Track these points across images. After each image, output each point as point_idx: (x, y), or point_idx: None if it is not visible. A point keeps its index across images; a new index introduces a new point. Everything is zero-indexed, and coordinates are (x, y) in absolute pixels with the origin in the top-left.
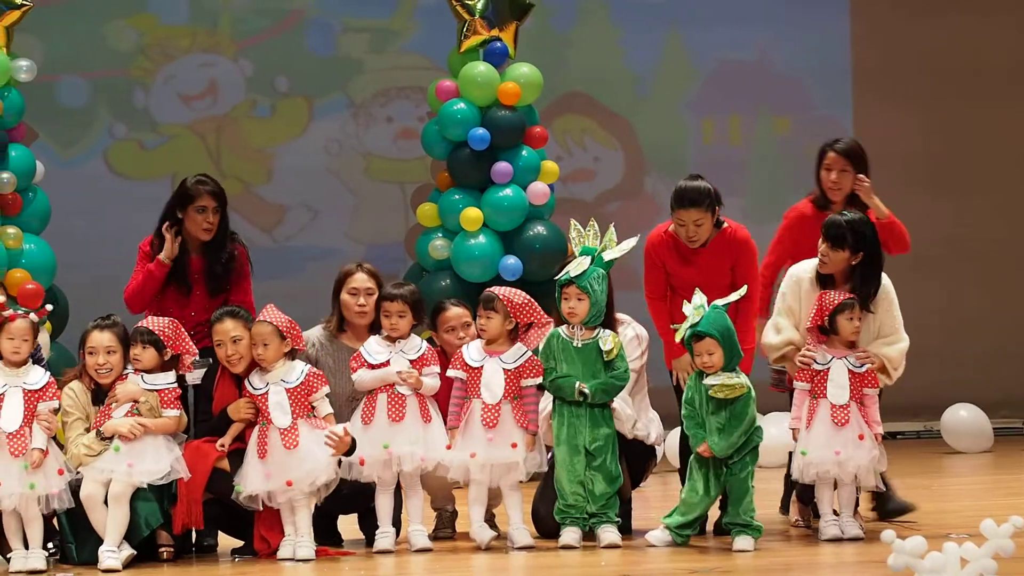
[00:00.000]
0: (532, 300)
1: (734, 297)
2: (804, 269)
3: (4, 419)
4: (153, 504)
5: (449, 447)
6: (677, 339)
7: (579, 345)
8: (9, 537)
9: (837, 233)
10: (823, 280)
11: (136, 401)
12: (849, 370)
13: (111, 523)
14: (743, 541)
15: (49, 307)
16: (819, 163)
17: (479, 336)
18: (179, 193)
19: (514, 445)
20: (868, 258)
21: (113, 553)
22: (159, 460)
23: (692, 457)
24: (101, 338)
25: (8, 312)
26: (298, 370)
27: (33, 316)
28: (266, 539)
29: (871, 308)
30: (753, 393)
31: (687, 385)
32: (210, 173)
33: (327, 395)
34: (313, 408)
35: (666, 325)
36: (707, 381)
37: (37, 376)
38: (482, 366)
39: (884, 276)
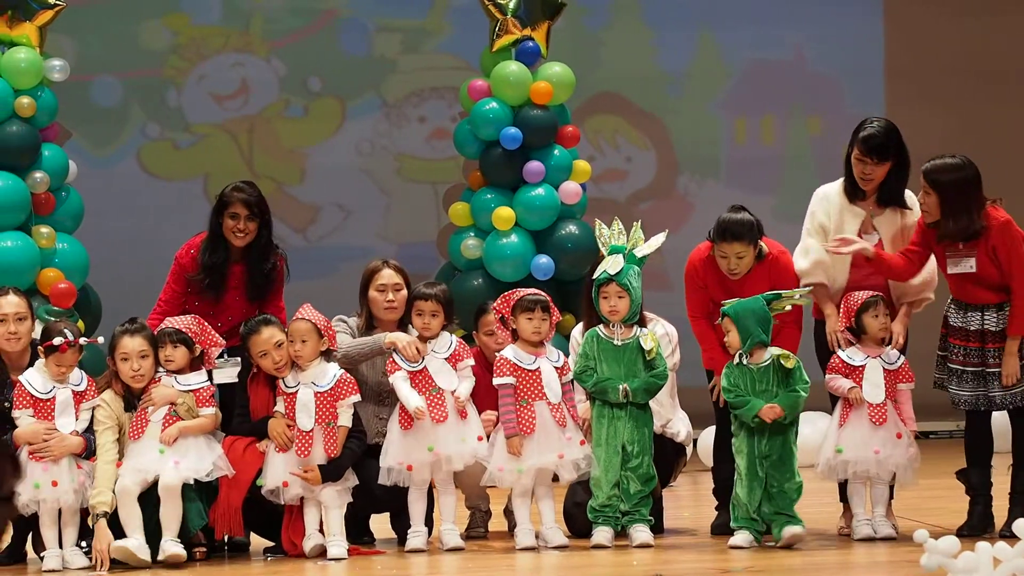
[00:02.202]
0: None
1: (788, 306)
2: (832, 185)
3: (60, 422)
4: (197, 504)
5: (481, 438)
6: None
7: (619, 344)
8: (45, 535)
9: (881, 146)
10: (853, 189)
11: (174, 403)
12: (884, 368)
13: (166, 517)
14: (791, 530)
15: (100, 339)
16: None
17: (532, 340)
18: (217, 196)
19: (583, 441)
20: (899, 161)
21: (176, 542)
22: (202, 459)
23: None
24: (133, 343)
25: (60, 342)
26: (330, 374)
27: (83, 341)
28: (294, 542)
29: (908, 205)
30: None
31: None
32: (242, 173)
33: (355, 403)
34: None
35: (712, 341)
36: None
37: (78, 377)
38: (539, 368)
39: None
